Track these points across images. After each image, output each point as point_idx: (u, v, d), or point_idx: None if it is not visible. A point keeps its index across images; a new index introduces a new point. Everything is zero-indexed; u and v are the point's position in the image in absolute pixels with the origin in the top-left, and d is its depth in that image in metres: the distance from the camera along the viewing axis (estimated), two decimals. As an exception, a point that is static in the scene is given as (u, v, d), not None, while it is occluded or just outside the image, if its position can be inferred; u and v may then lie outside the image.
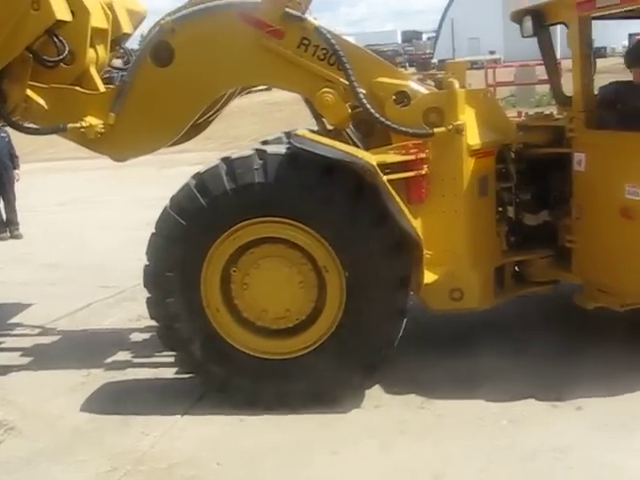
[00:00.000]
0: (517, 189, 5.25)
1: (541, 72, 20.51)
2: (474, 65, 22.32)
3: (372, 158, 4.28)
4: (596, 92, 5.07)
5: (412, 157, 4.50)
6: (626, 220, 4.47)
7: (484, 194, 4.81)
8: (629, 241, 4.51)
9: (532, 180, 5.22)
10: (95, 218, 11.41)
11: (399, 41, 75.13)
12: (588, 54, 4.77)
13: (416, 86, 4.76)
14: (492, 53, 36.99)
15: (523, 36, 5.26)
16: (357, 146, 4.83)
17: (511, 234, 5.20)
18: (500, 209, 5.14)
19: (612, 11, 4.61)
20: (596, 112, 4.80)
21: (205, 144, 12.97)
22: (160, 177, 13.15)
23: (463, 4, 52.74)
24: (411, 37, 75.93)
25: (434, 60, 41.30)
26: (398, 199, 4.30)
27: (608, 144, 4.61)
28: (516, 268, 5.25)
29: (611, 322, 5.14)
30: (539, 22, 5.09)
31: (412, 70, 37.18)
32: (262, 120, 20.04)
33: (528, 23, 5.08)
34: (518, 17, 5.27)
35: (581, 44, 4.75)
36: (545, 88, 15.66)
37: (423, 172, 4.54)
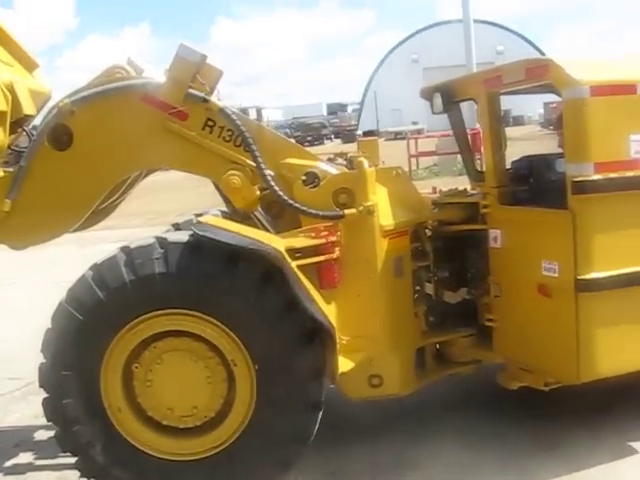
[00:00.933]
0: (435, 267, 5.14)
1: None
2: (398, 136, 22.75)
3: (280, 243, 4.10)
4: (509, 167, 5.03)
5: (322, 240, 4.32)
6: (543, 297, 4.35)
7: (400, 275, 4.65)
8: (547, 319, 4.39)
9: (450, 258, 5.13)
10: (2, 303, 10.80)
11: (325, 113, 76.56)
12: (498, 129, 4.75)
13: (325, 166, 4.62)
14: (415, 124, 37.73)
15: (433, 112, 5.23)
16: (267, 229, 4.64)
17: (430, 314, 5.05)
18: (418, 289, 4.99)
19: (519, 87, 4.59)
20: (509, 187, 4.73)
21: (129, 220, 12.62)
22: (80, 256, 12.58)
23: (385, 76, 54.26)
24: (336, 109, 77.59)
25: (358, 132, 41.98)
26: (308, 285, 4.10)
27: (522, 220, 4.54)
28: (437, 349, 5.07)
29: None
30: (449, 98, 5.05)
31: (338, 142, 37.93)
32: (188, 195, 19.76)
33: (438, 100, 5.03)
34: (428, 94, 5.23)
35: (490, 120, 4.72)
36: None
37: (334, 256, 4.35)
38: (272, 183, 4.43)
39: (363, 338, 4.55)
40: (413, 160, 16.27)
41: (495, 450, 4.63)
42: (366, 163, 4.51)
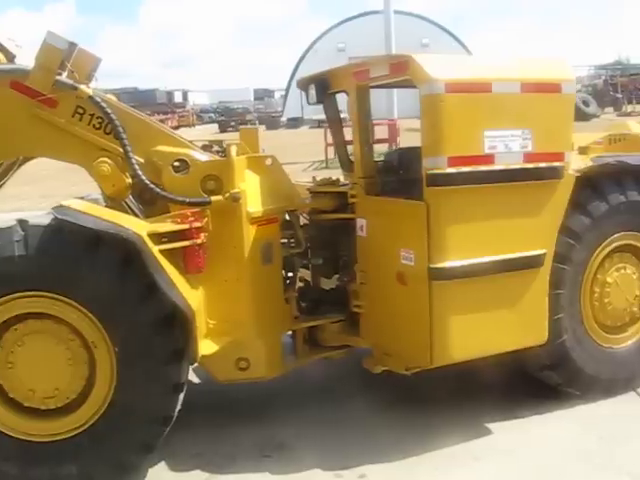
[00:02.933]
0: (310, 254, 5.28)
1: (380, 131, 21.23)
2: (321, 124, 22.84)
3: (142, 228, 4.16)
4: (384, 158, 5.19)
5: (187, 226, 4.39)
6: (401, 285, 4.52)
7: (268, 261, 4.76)
8: (405, 306, 4.56)
9: (323, 245, 5.26)
10: None
11: (252, 99, 75.76)
12: (366, 122, 4.88)
13: (197, 154, 4.69)
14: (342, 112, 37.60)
15: (309, 103, 5.34)
16: (137, 216, 4.69)
17: (302, 300, 5.18)
18: (290, 275, 5.11)
19: (385, 81, 4.74)
20: (377, 178, 4.88)
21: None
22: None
23: (311, 63, 54.08)
24: (263, 95, 76.82)
25: (283, 118, 41.66)
26: (170, 270, 4.18)
27: (384, 210, 4.70)
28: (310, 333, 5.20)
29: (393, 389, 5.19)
30: (323, 90, 5.17)
31: (262, 127, 37.73)
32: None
33: (312, 91, 5.14)
34: (304, 85, 5.34)
35: (359, 112, 4.85)
36: (383, 147, 16.20)
37: (199, 241, 4.44)
38: (138, 170, 4.48)
39: (231, 322, 4.66)
40: (331, 149, 16.36)
41: (357, 433, 4.78)
42: (234, 151, 4.60)
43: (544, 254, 4.63)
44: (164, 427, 4.33)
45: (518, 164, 4.49)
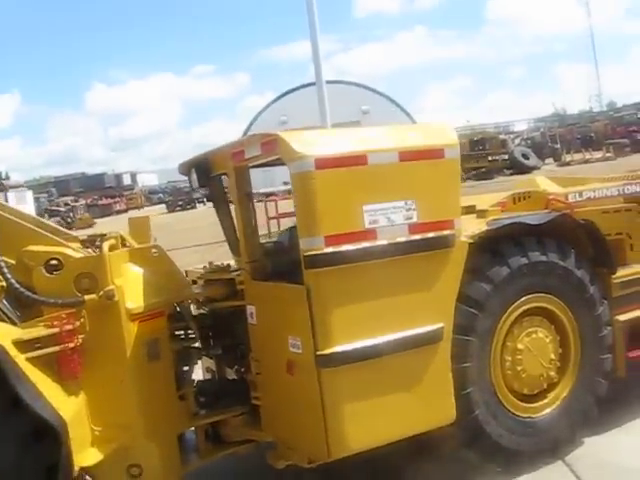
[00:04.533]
0: (210, 345, 5.02)
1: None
2: (268, 197, 22.88)
3: (5, 335, 3.90)
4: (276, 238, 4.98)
5: (57, 330, 4.13)
6: (291, 375, 4.25)
7: (155, 358, 4.49)
8: (297, 396, 4.29)
9: (221, 335, 5.00)
10: None
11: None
12: (247, 204, 4.68)
13: (72, 252, 4.45)
14: (286, 184, 37.62)
15: (192, 188, 5.14)
16: (12, 321, 4.42)
17: (201, 394, 4.89)
18: (186, 369, 4.84)
19: (260, 161, 4.56)
20: (264, 262, 4.66)
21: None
22: None
23: None
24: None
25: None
26: (36, 379, 3.90)
27: (270, 295, 4.47)
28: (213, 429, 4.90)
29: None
30: (205, 173, 4.98)
31: (210, 205, 37.71)
32: None
33: (194, 176, 4.95)
34: (185, 170, 5.16)
35: (239, 193, 4.66)
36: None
37: (72, 345, 4.16)
38: (6, 273, 4.23)
39: (117, 427, 4.36)
40: (274, 222, 16.27)
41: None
42: (106, 246, 4.37)
43: (442, 328, 4.40)
44: None
45: (403, 236, 4.28)
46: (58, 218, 46.98)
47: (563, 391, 5.04)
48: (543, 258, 4.87)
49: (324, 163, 4.08)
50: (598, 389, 5.14)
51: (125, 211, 55.15)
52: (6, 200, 44.47)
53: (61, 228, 5.17)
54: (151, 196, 62.64)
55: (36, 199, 52.76)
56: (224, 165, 4.75)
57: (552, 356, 4.97)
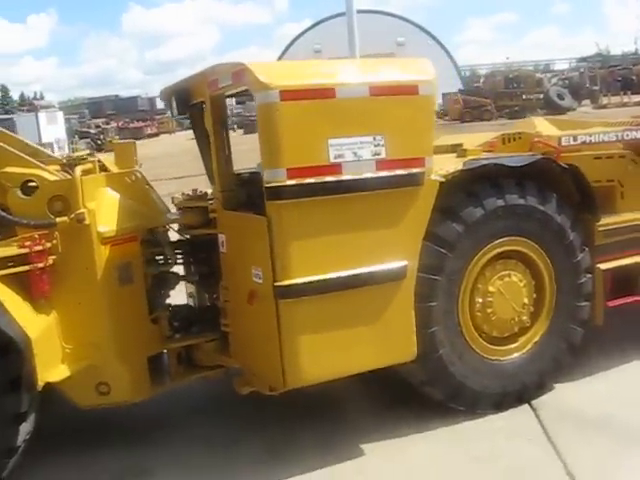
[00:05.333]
0: (188, 271, 5.12)
1: None
2: None
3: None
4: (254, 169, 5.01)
5: (26, 250, 4.25)
6: (252, 303, 4.32)
7: (128, 281, 4.60)
8: (258, 325, 4.36)
9: (199, 261, 5.08)
10: None
11: (234, 102, 76.66)
12: (222, 133, 4.69)
13: (48, 175, 4.54)
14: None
15: (173, 116, 5.16)
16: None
17: (174, 319, 5.00)
18: (162, 293, 4.95)
19: (232, 91, 4.55)
20: (237, 192, 4.70)
21: None
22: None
23: None
24: (244, 98, 76.64)
25: None
26: (3, 296, 4.05)
27: (238, 225, 4.52)
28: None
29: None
30: (184, 102, 4.98)
31: (240, 132, 37.41)
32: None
33: (174, 103, 4.96)
34: (165, 97, 5.17)
35: (214, 122, 4.66)
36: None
37: (40, 265, 4.29)
38: None
39: (88, 346, 4.52)
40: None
41: (230, 454, 4.63)
42: (78, 170, 4.45)
43: (405, 265, 4.39)
44: (8, 459, 4.19)
45: (370, 172, 4.25)
46: (88, 140, 46.83)
47: (535, 336, 5.02)
48: (521, 201, 4.79)
49: (290, 95, 4.05)
50: (573, 337, 5.10)
51: (156, 135, 54.96)
52: (37, 120, 44.88)
53: (44, 150, 5.26)
54: (183, 121, 62.56)
55: (67, 120, 52.50)
56: (202, 93, 4.74)
57: (525, 300, 4.93)
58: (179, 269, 5.22)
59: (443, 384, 4.74)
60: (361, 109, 4.25)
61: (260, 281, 4.27)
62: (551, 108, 38.70)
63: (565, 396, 5.05)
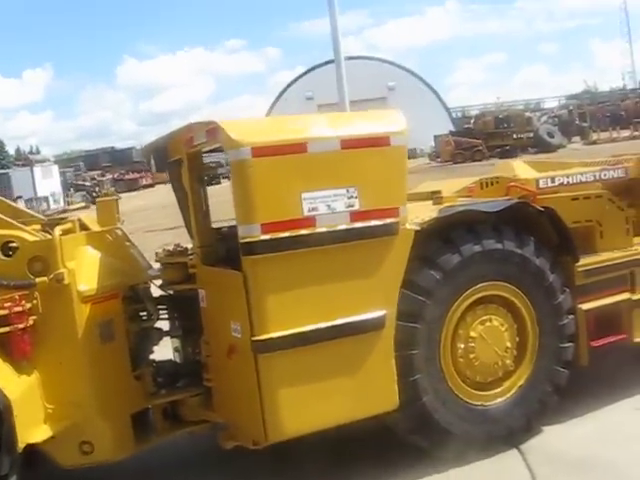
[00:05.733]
0: (172, 326, 5.15)
1: None
2: None
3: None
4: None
5: (6, 311, 4.29)
6: (232, 358, 4.34)
7: (109, 339, 4.63)
8: (240, 379, 4.38)
9: (182, 317, 5.11)
10: None
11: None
12: (199, 189, 4.75)
13: (28, 236, 4.59)
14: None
15: (157, 170, 5.23)
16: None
17: (159, 374, 5.01)
18: (145, 349, 4.97)
19: (208, 147, 4.63)
20: (215, 247, 4.74)
21: None
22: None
23: (281, 113, 54.68)
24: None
25: None
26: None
27: (216, 280, 4.55)
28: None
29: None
30: (162, 159, 5.06)
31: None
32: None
33: (153, 161, 5.04)
34: (146, 155, 5.25)
35: (191, 179, 4.74)
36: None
37: (21, 326, 4.32)
38: None
39: (70, 405, 4.53)
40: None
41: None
42: (57, 230, 4.50)
43: (383, 315, 4.42)
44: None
45: (344, 224, 4.30)
46: (84, 192, 47.02)
47: (520, 380, 5.01)
48: (498, 246, 4.83)
49: (261, 151, 4.12)
50: (557, 378, 5.09)
51: (151, 185, 54.55)
52: (32, 174, 45.20)
53: (26, 210, 5.34)
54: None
55: (62, 173, 52.93)
56: (179, 151, 4.82)
57: (508, 344, 4.94)
58: (164, 324, 5.23)
59: (428, 432, 4.72)
60: (333, 162, 4.31)
61: (239, 336, 4.29)
62: (542, 146, 39.39)
63: (552, 439, 5.02)
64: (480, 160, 38.67)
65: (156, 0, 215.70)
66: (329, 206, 4.27)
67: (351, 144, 4.35)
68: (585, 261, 5.24)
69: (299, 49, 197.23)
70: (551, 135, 41.27)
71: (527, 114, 48.56)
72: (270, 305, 4.16)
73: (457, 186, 5.71)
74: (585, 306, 5.22)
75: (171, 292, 5.15)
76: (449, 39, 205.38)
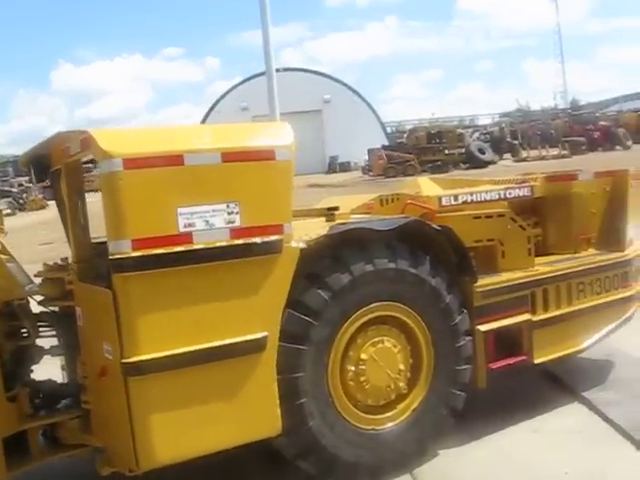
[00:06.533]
0: (55, 345, 4.91)
1: None
2: None
3: None
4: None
5: None
6: (103, 381, 4.12)
7: (-22, 359, 4.36)
8: (112, 403, 4.15)
9: (60, 334, 4.87)
10: None
11: None
12: (77, 201, 4.54)
13: None
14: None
15: (37, 182, 5.00)
16: None
17: (37, 395, 4.75)
18: (22, 368, 4.72)
19: (85, 158, 4.41)
20: (94, 263, 4.52)
21: None
22: None
23: (215, 123, 55.34)
24: None
25: None
26: None
27: (90, 298, 4.33)
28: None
29: None
30: (44, 167, 4.82)
31: None
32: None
33: (32, 170, 4.80)
34: (25, 163, 5.00)
35: (69, 190, 4.52)
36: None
37: None
38: None
39: None
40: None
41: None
42: None
43: (264, 337, 4.23)
44: None
45: (224, 241, 4.12)
46: (10, 199, 45.64)
47: (413, 402, 4.87)
48: (391, 265, 4.69)
49: (133, 163, 3.91)
50: (454, 401, 4.97)
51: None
52: None
53: None
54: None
55: None
56: (58, 160, 4.59)
57: (401, 367, 4.80)
58: (48, 342, 4.98)
59: (315, 457, 4.55)
60: (213, 176, 4.12)
61: (110, 357, 4.08)
62: (473, 162, 40.35)
63: (447, 463, 4.90)
64: (412, 174, 38.84)
65: (92, 5, 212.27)
66: (207, 222, 4.08)
67: (233, 157, 4.16)
68: (484, 281, 5.13)
69: (238, 59, 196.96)
70: (482, 151, 42.33)
71: (459, 130, 49.63)
72: (141, 325, 3.95)
73: (357, 202, 5.57)
74: (484, 327, 5.11)
75: (53, 309, 4.91)
76: (388, 54, 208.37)
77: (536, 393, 5.80)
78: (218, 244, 4.11)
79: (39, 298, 4.83)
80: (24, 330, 4.74)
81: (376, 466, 4.71)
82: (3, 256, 4.78)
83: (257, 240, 4.20)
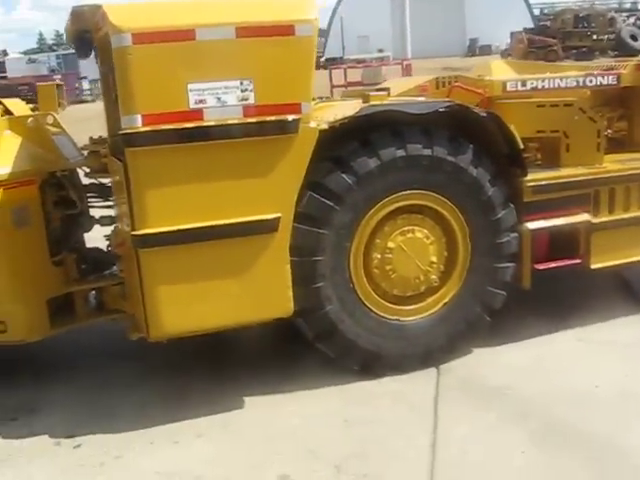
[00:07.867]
0: (102, 214, 5.13)
1: (388, 72, 20.03)
2: (359, 64, 22.05)
3: None
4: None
5: None
6: (123, 251, 4.30)
7: (24, 224, 4.63)
8: (130, 273, 4.33)
9: (109, 205, 5.07)
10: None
11: None
12: (108, 75, 4.56)
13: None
14: (381, 51, 35.97)
15: (79, 58, 5.08)
16: None
17: (84, 261, 5.03)
18: (69, 235, 4.98)
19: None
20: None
21: None
22: None
23: (352, 2, 51.68)
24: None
25: (322, 58, 39.67)
26: None
27: (114, 172, 4.44)
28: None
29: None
30: (86, 46, 4.85)
31: None
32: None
33: (75, 46, 4.85)
34: (69, 41, 5.04)
35: (102, 65, 4.60)
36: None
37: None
38: None
39: (-17, 287, 4.62)
40: (336, 90, 15.84)
41: (129, 398, 4.66)
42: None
43: (277, 218, 4.18)
44: None
45: (236, 119, 4.04)
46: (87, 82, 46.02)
47: (445, 297, 4.70)
48: (427, 152, 4.42)
49: (143, 37, 3.87)
50: (490, 300, 4.74)
51: None
52: None
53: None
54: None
55: None
56: (95, 35, 4.63)
57: (433, 259, 4.60)
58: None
59: (332, 342, 4.54)
60: (226, 52, 4.01)
61: (127, 229, 4.20)
62: (623, 49, 35.81)
63: (476, 363, 4.73)
64: (554, 61, 35.58)
65: None
66: (219, 99, 4.01)
67: (248, 32, 4.01)
68: (537, 175, 4.75)
69: None
70: (635, 38, 37.41)
71: (611, 14, 44.03)
72: (150, 200, 4.01)
73: (410, 84, 5.24)
74: (532, 225, 4.76)
75: (102, 180, 5.10)
76: None
77: (588, 299, 5.37)
78: (230, 122, 4.03)
79: (86, 170, 5.03)
80: (72, 200, 4.96)
81: (399, 357, 4.63)
82: (54, 129, 4.96)
83: (272, 118, 4.08)
